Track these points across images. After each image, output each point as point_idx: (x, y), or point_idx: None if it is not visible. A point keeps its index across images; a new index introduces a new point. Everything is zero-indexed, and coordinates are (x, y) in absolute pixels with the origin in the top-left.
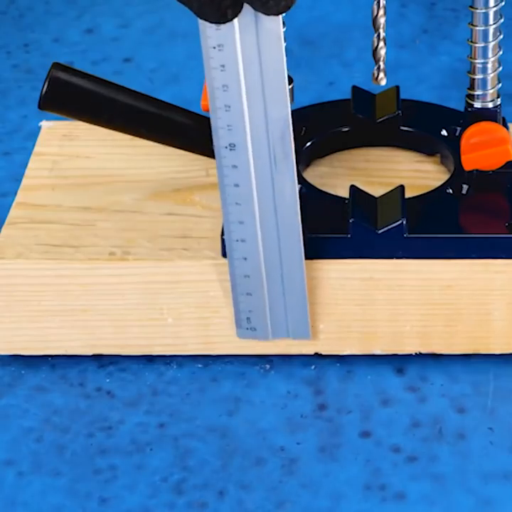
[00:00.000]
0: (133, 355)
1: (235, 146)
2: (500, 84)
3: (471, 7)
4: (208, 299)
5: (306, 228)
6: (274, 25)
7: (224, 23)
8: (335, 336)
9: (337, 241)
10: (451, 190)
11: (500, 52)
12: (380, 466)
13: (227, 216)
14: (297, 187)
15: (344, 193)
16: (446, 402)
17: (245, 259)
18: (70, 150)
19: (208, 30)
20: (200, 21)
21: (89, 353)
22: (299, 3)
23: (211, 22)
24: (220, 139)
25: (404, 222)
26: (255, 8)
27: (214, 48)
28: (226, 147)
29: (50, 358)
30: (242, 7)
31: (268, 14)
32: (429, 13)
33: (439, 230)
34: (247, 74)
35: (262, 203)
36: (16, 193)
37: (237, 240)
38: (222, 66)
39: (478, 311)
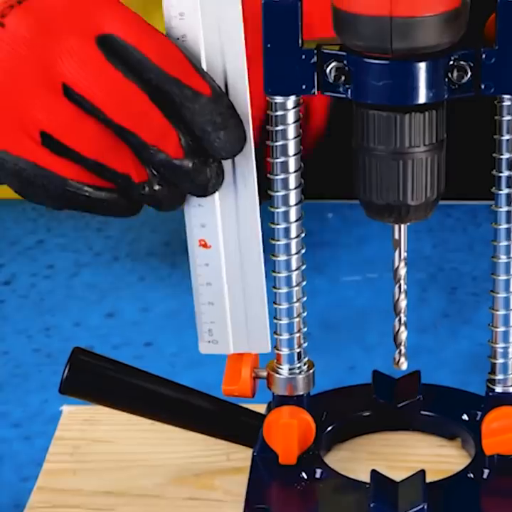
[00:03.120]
0: None
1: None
2: None
3: (492, 292)
4: None
5: None
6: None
7: None
8: None
9: None
10: (472, 475)
11: None
12: None
13: (190, 219)
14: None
15: (365, 477)
16: None
17: (207, 265)
18: (91, 434)
19: None
20: None
21: None
22: (320, 288)
23: None
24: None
25: (425, 507)
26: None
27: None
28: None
29: None
30: None
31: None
32: (450, 298)
33: None
34: None
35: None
36: (36, 478)
37: (199, 246)
38: None
39: None
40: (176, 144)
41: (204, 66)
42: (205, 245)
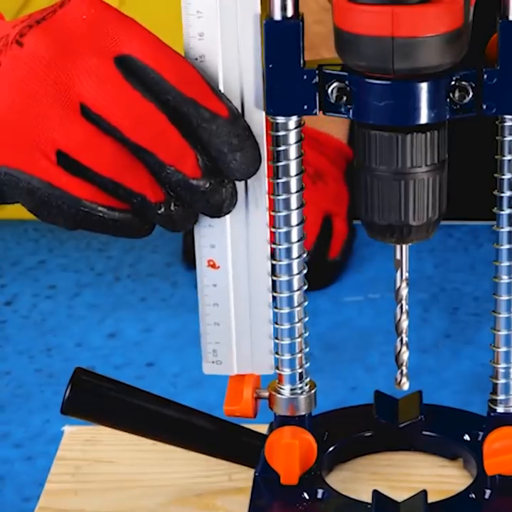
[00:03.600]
0: None
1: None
2: None
3: (494, 312)
4: None
5: None
6: None
7: None
8: None
9: None
10: (473, 495)
11: None
12: None
13: (200, 239)
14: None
15: (367, 497)
16: None
17: (215, 285)
18: (93, 455)
19: None
20: None
21: None
22: (322, 308)
23: None
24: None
25: None
26: None
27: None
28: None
29: None
30: None
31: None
32: (451, 318)
33: None
34: None
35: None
36: (38, 498)
37: (208, 266)
38: None
39: None
40: (193, 164)
41: (221, 87)
42: (213, 266)
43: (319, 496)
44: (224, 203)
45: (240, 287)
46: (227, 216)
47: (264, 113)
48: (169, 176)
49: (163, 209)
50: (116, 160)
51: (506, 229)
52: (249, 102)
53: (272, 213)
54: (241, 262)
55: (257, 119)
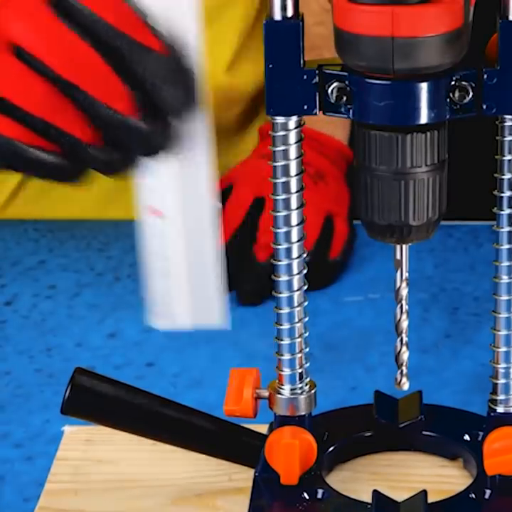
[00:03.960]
0: None
1: None
2: None
3: (494, 312)
4: None
5: None
6: None
7: None
8: None
9: None
10: (473, 495)
11: None
12: None
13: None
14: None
15: (367, 498)
16: None
17: (158, 234)
18: (93, 454)
19: None
20: None
21: None
22: (322, 308)
23: None
24: None
25: None
26: None
27: None
28: None
29: None
30: None
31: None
32: (451, 318)
33: None
34: None
35: None
36: (38, 498)
37: (149, 214)
38: None
39: None
40: (126, 101)
41: (156, 22)
42: (156, 212)
43: (319, 495)
44: (160, 142)
45: (185, 235)
46: (168, 160)
47: (198, 48)
48: (101, 113)
49: (95, 150)
50: (47, 99)
51: (506, 229)
52: (185, 36)
53: (272, 213)
54: (185, 208)
55: (192, 54)
